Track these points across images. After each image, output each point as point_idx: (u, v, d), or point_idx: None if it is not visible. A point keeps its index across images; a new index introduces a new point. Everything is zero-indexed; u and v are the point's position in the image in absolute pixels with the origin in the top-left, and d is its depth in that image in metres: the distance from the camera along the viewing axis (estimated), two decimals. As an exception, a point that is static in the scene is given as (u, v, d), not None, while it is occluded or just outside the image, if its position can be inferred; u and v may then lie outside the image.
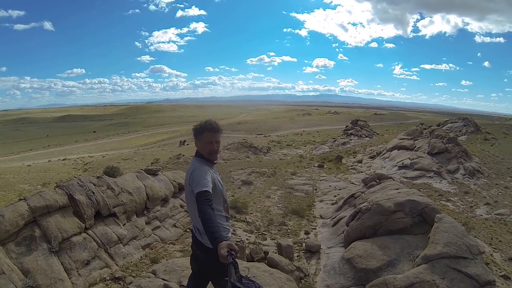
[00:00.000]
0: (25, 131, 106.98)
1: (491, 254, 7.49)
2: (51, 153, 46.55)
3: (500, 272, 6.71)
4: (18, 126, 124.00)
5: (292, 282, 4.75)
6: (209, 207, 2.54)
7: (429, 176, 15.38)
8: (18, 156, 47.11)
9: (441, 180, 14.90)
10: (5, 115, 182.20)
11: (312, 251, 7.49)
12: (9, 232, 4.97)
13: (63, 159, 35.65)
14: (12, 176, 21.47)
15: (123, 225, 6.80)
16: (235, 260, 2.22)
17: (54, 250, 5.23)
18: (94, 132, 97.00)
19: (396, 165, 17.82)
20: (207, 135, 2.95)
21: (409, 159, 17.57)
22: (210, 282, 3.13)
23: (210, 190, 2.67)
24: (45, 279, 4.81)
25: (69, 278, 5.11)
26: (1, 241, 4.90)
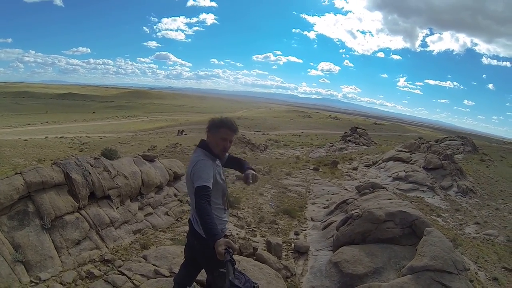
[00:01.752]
0: (25, 105, 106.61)
1: (476, 272, 7.58)
2: (48, 130, 46.45)
3: (483, 290, 6.81)
4: (18, 99, 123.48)
5: (280, 279, 4.80)
6: (207, 203, 2.55)
7: (422, 190, 15.48)
8: (16, 129, 47.02)
9: (433, 196, 15.01)
10: (6, 87, 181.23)
11: (301, 252, 7.55)
12: (2, 205, 4.95)
13: (60, 137, 35.61)
14: (7, 149, 21.40)
15: (116, 209, 6.81)
16: (233, 257, 2.26)
17: (46, 227, 5.24)
18: (94, 112, 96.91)
19: (390, 176, 17.91)
20: (224, 131, 2.91)
21: (404, 171, 17.66)
22: (201, 271, 3.18)
23: (210, 185, 2.67)
24: (35, 255, 4.84)
25: (59, 257, 5.13)
26: (-6, 213, 4.90)
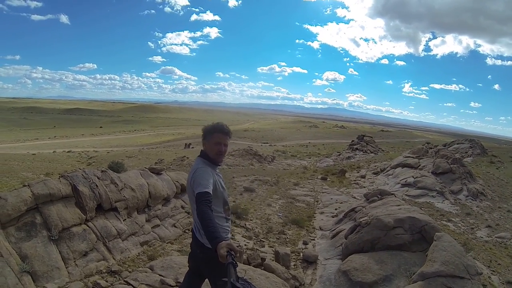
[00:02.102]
0: (33, 120, 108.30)
1: (489, 277, 7.40)
2: (56, 144, 47.02)
3: (497, 295, 6.64)
4: (27, 114, 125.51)
5: (287, 288, 4.75)
6: (208, 208, 2.53)
7: (432, 196, 15.26)
8: (24, 144, 47.66)
9: (443, 200, 14.79)
10: (15, 103, 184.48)
11: (309, 261, 7.46)
12: (10, 216, 5.00)
13: (68, 151, 35.96)
14: (16, 163, 21.62)
15: (123, 220, 6.82)
16: (235, 260, 2.23)
17: (53, 238, 5.26)
18: (101, 127, 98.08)
19: (399, 183, 17.71)
20: (216, 135, 2.96)
21: (413, 177, 17.46)
22: (205, 280, 3.15)
23: (211, 191, 2.67)
24: (42, 266, 4.85)
25: (66, 267, 5.13)
26: (2, 225, 4.94)
